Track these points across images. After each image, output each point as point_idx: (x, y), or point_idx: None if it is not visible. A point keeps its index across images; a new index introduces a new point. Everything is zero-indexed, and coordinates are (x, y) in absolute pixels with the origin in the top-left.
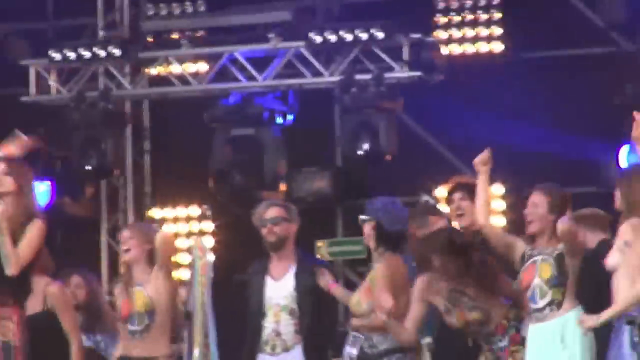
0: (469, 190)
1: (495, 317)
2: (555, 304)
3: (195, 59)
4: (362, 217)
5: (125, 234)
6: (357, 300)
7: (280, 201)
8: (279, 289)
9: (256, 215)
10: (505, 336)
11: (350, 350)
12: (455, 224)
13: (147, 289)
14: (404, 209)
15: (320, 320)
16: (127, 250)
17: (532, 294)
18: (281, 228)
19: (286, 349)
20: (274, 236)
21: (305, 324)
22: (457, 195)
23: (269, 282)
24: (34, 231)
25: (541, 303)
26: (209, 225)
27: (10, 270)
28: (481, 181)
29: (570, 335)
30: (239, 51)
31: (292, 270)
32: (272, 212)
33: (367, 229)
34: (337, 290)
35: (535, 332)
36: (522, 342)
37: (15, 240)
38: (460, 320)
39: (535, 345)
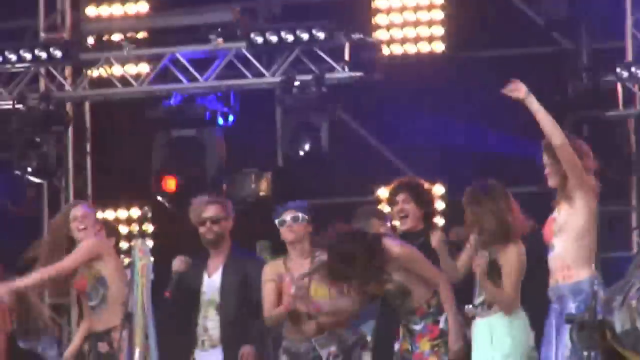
0: (413, 192)
1: (416, 297)
2: (486, 304)
3: (137, 60)
4: (297, 215)
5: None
6: (329, 290)
7: (218, 198)
8: (211, 284)
9: (194, 212)
10: (422, 321)
11: (326, 350)
12: (398, 225)
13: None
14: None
15: (247, 316)
16: (84, 229)
17: (474, 290)
18: (220, 226)
19: (213, 345)
20: (213, 234)
21: (226, 320)
22: (400, 197)
23: (205, 278)
24: None
25: (477, 301)
26: (149, 227)
27: None
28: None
29: (498, 337)
30: (180, 52)
31: (222, 266)
32: (211, 211)
33: (301, 228)
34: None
35: (475, 327)
36: (440, 335)
37: None
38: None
39: (475, 338)
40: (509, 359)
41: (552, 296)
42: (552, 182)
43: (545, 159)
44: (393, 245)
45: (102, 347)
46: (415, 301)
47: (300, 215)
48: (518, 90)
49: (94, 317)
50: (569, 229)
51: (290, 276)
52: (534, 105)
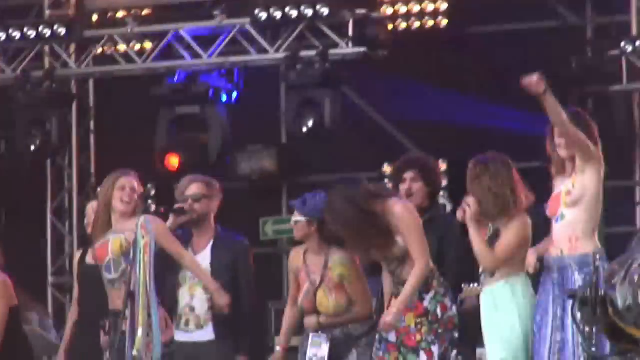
0: (421, 170)
1: (408, 268)
2: (488, 273)
3: (141, 37)
4: (297, 218)
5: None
6: (335, 302)
7: (203, 177)
8: None
9: (178, 190)
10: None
11: (317, 349)
12: None
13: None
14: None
15: (235, 298)
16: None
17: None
18: (201, 205)
19: (199, 326)
20: (194, 213)
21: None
22: (408, 175)
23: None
24: None
25: (480, 270)
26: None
27: None
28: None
29: (502, 304)
30: (184, 29)
31: (210, 245)
32: (193, 189)
33: (306, 227)
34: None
35: (482, 295)
36: (425, 313)
37: None
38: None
39: (483, 307)
40: (514, 325)
41: (553, 266)
42: (564, 153)
43: (558, 132)
44: (394, 205)
45: (124, 324)
46: (408, 273)
47: (299, 219)
48: (538, 84)
49: (114, 292)
50: (583, 200)
51: (305, 270)
52: (550, 101)
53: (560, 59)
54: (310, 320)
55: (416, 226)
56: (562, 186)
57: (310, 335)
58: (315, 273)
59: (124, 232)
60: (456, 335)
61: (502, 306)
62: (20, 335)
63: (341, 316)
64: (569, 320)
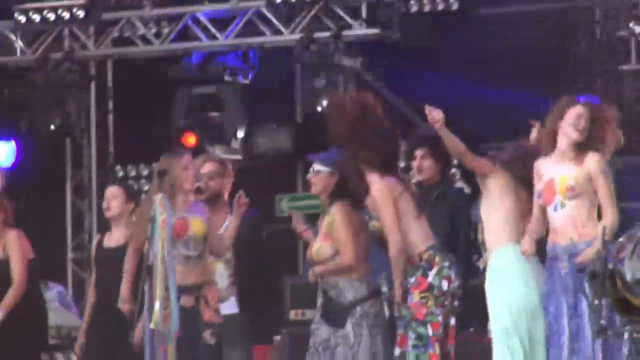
0: (432, 147)
1: (409, 245)
2: (485, 243)
3: (158, 19)
4: (316, 167)
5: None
6: (318, 247)
7: (216, 156)
8: None
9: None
10: (414, 273)
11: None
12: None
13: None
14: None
15: (256, 272)
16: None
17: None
18: (215, 182)
19: (220, 300)
20: (209, 190)
21: (241, 275)
22: (419, 152)
23: None
24: None
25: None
26: None
27: None
28: (446, 135)
29: (496, 274)
30: (201, 12)
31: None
32: (208, 167)
33: (325, 179)
34: (308, 235)
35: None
36: (429, 289)
37: None
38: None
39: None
40: (511, 292)
41: (562, 255)
42: (577, 136)
43: (588, 115)
44: (374, 182)
45: (187, 300)
46: (409, 249)
47: (322, 168)
48: (434, 119)
49: (186, 269)
50: (586, 192)
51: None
52: (445, 135)
53: (570, 40)
54: (312, 276)
55: (386, 203)
56: (553, 173)
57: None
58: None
59: (198, 212)
60: (456, 304)
61: (499, 274)
62: (37, 292)
63: (325, 263)
64: (584, 306)
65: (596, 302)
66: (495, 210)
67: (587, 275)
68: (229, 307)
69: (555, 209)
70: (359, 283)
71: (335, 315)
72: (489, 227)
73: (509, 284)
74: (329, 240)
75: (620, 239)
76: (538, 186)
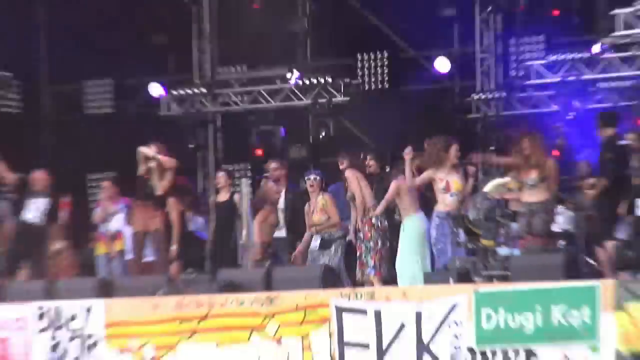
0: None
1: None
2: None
3: None
4: (311, 176)
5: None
6: (319, 217)
7: (277, 159)
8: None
9: (266, 167)
10: (370, 239)
11: (315, 243)
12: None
13: None
14: None
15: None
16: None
17: None
18: (277, 173)
19: (279, 229)
20: (274, 177)
21: (290, 222)
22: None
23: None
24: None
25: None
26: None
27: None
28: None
29: (402, 238)
30: None
31: (283, 193)
32: (273, 165)
33: (314, 183)
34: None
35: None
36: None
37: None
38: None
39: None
40: (410, 252)
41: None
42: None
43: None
44: (347, 173)
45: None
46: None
47: (312, 177)
48: (408, 154)
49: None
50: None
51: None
52: (407, 167)
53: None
54: (311, 229)
55: (356, 187)
56: (447, 178)
57: (313, 236)
58: (313, 205)
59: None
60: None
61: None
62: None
63: (322, 225)
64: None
65: (454, 230)
66: None
67: (451, 218)
68: (281, 232)
69: (451, 196)
70: (337, 230)
71: (325, 243)
72: None
73: None
74: (323, 213)
75: (473, 196)
76: None
